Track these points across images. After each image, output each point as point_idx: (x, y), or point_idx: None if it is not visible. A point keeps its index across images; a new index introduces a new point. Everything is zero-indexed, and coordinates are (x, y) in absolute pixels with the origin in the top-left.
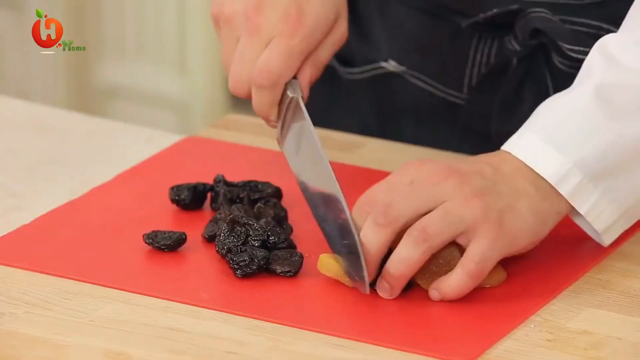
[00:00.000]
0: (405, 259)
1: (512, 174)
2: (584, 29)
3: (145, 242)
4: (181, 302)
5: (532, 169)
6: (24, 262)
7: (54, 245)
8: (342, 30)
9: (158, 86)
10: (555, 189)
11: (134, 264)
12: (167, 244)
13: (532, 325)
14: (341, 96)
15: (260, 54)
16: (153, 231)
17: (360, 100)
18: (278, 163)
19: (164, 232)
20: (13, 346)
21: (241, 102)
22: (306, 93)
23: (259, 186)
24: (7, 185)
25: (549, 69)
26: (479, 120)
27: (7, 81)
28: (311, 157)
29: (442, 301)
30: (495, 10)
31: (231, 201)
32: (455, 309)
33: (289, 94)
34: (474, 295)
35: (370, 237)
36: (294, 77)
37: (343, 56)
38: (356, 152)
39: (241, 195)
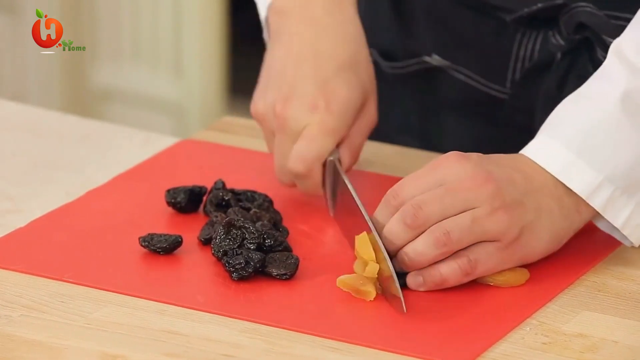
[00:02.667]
0: (421, 254)
1: (540, 188)
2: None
3: (141, 245)
4: (177, 305)
5: (560, 184)
6: (20, 264)
7: (50, 248)
8: (371, 112)
9: (154, 89)
10: (579, 204)
11: (129, 266)
12: (163, 247)
13: (528, 329)
14: (382, 92)
15: (293, 145)
16: (149, 234)
17: (402, 95)
18: (274, 166)
19: (160, 235)
20: (9, 349)
21: (237, 105)
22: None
23: (255, 196)
24: (3, 188)
25: (593, 64)
26: (521, 115)
27: (2, 83)
28: (355, 219)
29: (439, 304)
30: (539, 5)
31: (218, 205)
32: (451, 312)
33: (327, 158)
34: (470, 298)
35: (396, 233)
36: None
37: (386, 50)
38: None
39: (226, 198)
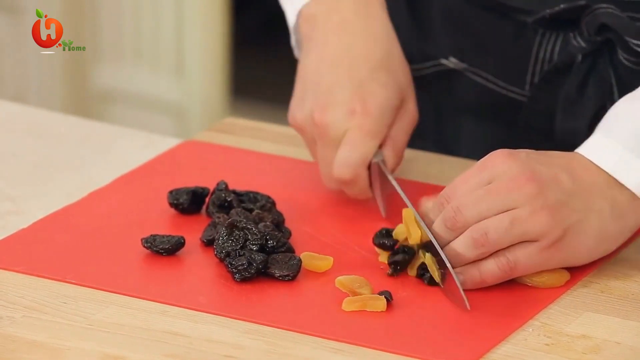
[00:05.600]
0: (459, 255)
1: (590, 188)
2: None
3: (144, 246)
4: (179, 306)
5: (613, 183)
6: (22, 265)
7: (52, 249)
8: (411, 111)
9: (155, 90)
10: (634, 202)
11: (132, 268)
12: (165, 248)
13: (531, 330)
14: None
15: (335, 153)
16: (151, 235)
17: (417, 98)
18: (276, 167)
19: (163, 236)
20: (11, 350)
21: (239, 106)
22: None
23: (258, 197)
24: (4, 189)
25: (613, 67)
26: (540, 117)
27: (3, 85)
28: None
29: (441, 305)
30: (562, 6)
31: (220, 206)
32: (453, 313)
33: (372, 160)
34: (472, 299)
35: (437, 234)
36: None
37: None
38: None
39: (228, 199)
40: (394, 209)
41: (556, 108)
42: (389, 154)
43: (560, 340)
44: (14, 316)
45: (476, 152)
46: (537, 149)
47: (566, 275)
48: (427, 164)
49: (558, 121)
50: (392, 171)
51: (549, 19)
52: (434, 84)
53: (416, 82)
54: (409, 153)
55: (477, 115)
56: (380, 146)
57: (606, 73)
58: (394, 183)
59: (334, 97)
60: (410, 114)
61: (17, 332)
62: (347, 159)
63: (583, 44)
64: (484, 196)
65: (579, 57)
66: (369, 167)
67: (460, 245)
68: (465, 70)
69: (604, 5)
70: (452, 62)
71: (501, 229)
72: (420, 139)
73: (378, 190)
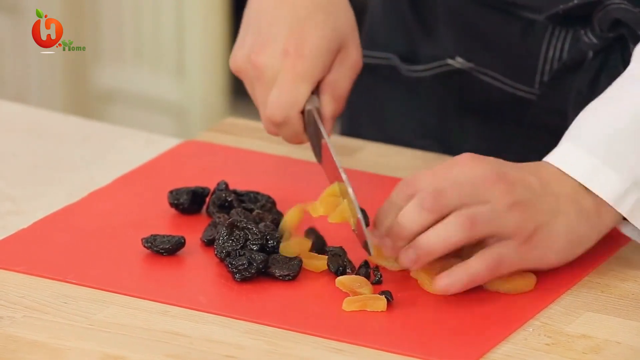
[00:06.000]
0: (445, 238)
1: (557, 194)
2: None
3: (144, 246)
4: (180, 306)
5: (578, 188)
6: (23, 265)
7: (52, 249)
8: (353, 57)
9: (156, 90)
10: (600, 207)
11: (132, 267)
12: (165, 248)
13: (531, 329)
14: (399, 97)
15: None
16: (152, 235)
17: (421, 100)
18: (276, 167)
19: (163, 236)
20: (11, 350)
21: (239, 106)
22: (329, 127)
23: (258, 197)
24: (4, 189)
25: (624, 63)
26: (549, 115)
27: (4, 85)
28: (330, 167)
29: (441, 305)
30: (575, 1)
31: (221, 206)
32: (454, 313)
33: (306, 107)
34: (473, 299)
35: (412, 218)
36: (313, 94)
37: (407, 54)
38: (355, 156)
39: (229, 199)
40: (327, 158)
41: (567, 105)
42: (327, 100)
43: (561, 340)
44: (14, 316)
45: (482, 152)
46: (546, 147)
47: (534, 278)
48: (431, 164)
49: (570, 119)
50: (333, 118)
51: (562, 15)
52: (440, 85)
53: (421, 82)
54: (413, 153)
55: (483, 115)
56: (320, 92)
57: (618, 70)
58: (324, 134)
59: (270, 37)
60: (351, 59)
61: (17, 332)
62: (278, 100)
63: (595, 41)
64: (462, 184)
65: (590, 54)
66: (304, 112)
67: (446, 229)
68: (472, 70)
69: (617, 0)
70: (458, 62)
71: (486, 214)
72: (425, 139)
73: (313, 137)
